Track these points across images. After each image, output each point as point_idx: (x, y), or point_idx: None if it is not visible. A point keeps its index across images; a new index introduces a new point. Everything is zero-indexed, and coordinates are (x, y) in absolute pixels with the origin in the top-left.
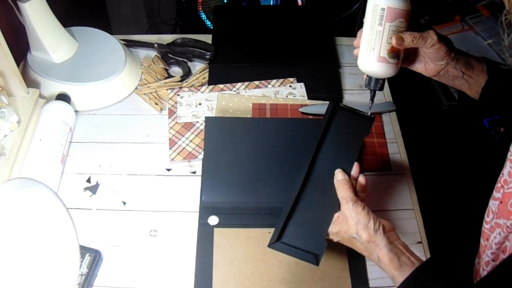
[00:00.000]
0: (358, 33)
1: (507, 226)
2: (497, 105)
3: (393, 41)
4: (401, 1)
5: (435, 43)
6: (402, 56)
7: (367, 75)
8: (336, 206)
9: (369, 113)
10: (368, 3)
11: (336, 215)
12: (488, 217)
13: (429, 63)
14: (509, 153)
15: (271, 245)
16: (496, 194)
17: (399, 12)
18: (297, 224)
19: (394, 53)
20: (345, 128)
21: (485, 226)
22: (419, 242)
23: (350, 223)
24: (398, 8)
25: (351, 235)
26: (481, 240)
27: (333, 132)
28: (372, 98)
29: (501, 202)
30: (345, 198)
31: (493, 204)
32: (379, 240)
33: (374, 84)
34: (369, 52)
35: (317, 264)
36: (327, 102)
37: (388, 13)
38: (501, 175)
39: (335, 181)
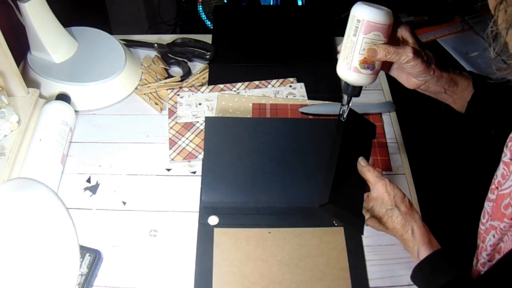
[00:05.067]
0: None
1: (501, 229)
2: (486, 118)
3: (366, 53)
4: (379, 15)
5: (410, 60)
6: (378, 68)
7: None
8: (363, 188)
9: (344, 118)
10: (350, 12)
11: (365, 194)
12: (484, 219)
13: (410, 76)
14: (503, 154)
15: (323, 206)
16: (490, 195)
17: (375, 26)
18: (339, 190)
19: (366, 64)
20: (356, 130)
21: (481, 228)
22: None
23: (387, 197)
24: (374, 22)
25: (388, 208)
26: (478, 241)
27: (348, 133)
28: (348, 103)
29: (494, 204)
30: (378, 177)
31: (488, 206)
32: (415, 213)
33: (351, 91)
34: (344, 60)
35: (363, 232)
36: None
37: (363, 25)
38: (495, 176)
39: (359, 167)
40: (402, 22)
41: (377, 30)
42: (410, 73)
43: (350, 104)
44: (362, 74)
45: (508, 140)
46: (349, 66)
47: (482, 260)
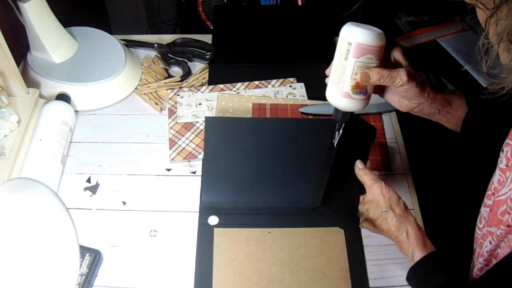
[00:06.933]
0: (332, 61)
1: (497, 235)
2: (481, 134)
3: (358, 78)
4: (371, 37)
5: (404, 83)
6: (370, 92)
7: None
8: (359, 191)
9: (334, 144)
10: (340, 34)
11: (361, 196)
12: (481, 224)
13: (402, 99)
14: (499, 160)
15: (314, 209)
16: (487, 201)
17: (367, 48)
18: (334, 192)
19: (359, 89)
20: (356, 132)
21: (478, 232)
22: None
23: (382, 199)
24: (367, 44)
25: (383, 210)
26: (474, 246)
27: (346, 135)
28: (338, 130)
29: (491, 210)
30: (374, 179)
31: (484, 211)
32: (409, 216)
33: (341, 117)
34: (334, 85)
35: (359, 234)
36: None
37: (355, 48)
38: (491, 182)
39: (356, 170)
40: (394, 43)
41: (369, 53)
42: (404, 96)
43: (341, 131)
44: (354, 99)
45: (503, 146)
46: (340, 92)
47: (479, 266)
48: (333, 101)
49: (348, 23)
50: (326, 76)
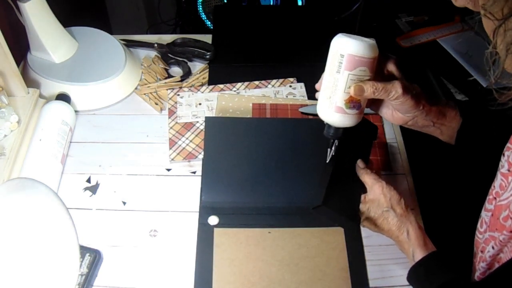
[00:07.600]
0: (322, 75)
1: (500, 240)
2: (476, 144)
3: (352, 91)
4: (364, 49)
5: (399, 96)
6: (364, 106)
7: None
8: (361, 190)
9: (327, 161)
10: (330, 46)
11: (362, 196)
12: (482, 228)
13: (396, 112)
14: (500, 165)
15: (316, 208)
16: (488, 205)
17: (360, 60)
18: (335, 192)
19: (352, 103)
20: (357, 131)
21: (479, 236)
22: None
23: (384, 199)
24: (359, 56)
25: (383, 210)
26: (475, 249)
27: (347, 134)
28: (331, 147)
29: (492, 215)
30: (375, 179)
31: (485, 215)
32: (410, 215)
33: (334, 133)
34: (326, 100)
35: (360, 234)
36: None
37: (348, 60)
38: (492, 187)
39: (357, 169)
40: (387, 54)
41: (362, 65)
42: (398, 109)
43: (334, 148)
44: (348, 114)
45: (505, 150)
46: (333, 107)
47: (482, 270)
48: (325, 117)
49: (339, 34)
50: (316, 91)
